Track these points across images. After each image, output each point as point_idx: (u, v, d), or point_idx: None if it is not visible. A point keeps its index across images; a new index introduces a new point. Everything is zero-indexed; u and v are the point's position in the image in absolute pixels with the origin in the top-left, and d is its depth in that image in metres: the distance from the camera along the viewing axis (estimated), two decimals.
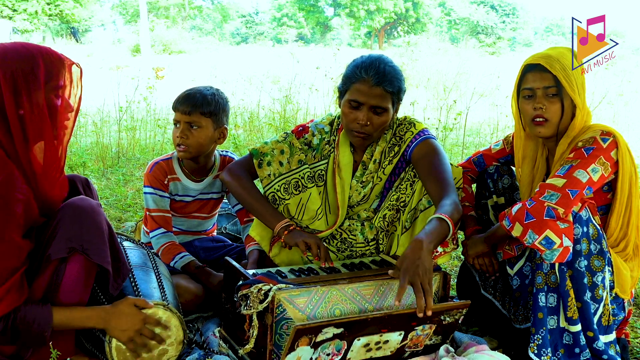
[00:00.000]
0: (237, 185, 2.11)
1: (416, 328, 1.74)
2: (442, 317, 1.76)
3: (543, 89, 1.92)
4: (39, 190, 1.57)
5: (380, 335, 1.70)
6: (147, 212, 2.34)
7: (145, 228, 2.42)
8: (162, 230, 2.30)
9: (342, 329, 1.60)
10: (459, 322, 1.83)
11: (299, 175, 2.11)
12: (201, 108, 2.24)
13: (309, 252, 1.96)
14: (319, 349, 1.62)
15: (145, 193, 2.34)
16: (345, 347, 1.67)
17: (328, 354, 1.65)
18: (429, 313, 1.63)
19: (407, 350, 1.80)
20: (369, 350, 1.72)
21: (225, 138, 2.34)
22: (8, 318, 1.49)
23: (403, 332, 1.73)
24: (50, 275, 1.58)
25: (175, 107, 2.28)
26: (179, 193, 2.38)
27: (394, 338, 1.73)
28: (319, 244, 1.96)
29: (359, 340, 1.67)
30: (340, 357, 1.68)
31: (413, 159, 2.05)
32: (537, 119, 1.94)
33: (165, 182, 2.33)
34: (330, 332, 1.59)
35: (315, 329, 1.56)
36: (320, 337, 1.58)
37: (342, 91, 2.06)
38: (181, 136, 2.25)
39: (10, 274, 1.48)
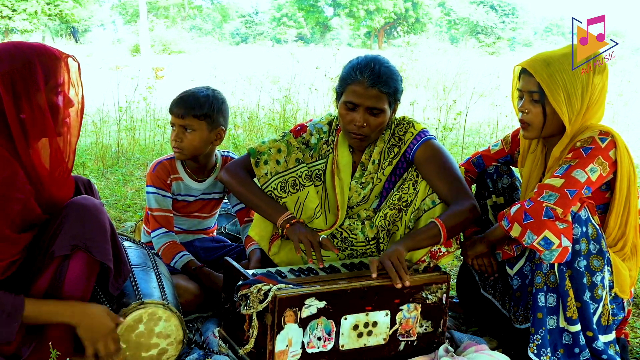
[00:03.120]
0: (235, 183, 2.11)
1: (401, 308, 1.80)
2: (423, 295, 1.83)
3: (528, 93, 1.93)
4: (44, 191, 1.57)
5: (367, 315, 1.75)
6: (149, 212, 2.34)
7: (146, 228, 2.43)
8: (163, 230, 2.31)
9: (324, 302, 1.67)
10: (444, 303, 1.86)
11: (297, 174, 2.11)
12: (193, 111, 2.24)
13: (303, 248, 1.94)
14: (308, 329, 1.66)
15: (147, 193, 2.34)
16: (335, 330, 1.71)
17: (319, 338, 1.68)
18: (407, 283, 1.77)
19: (400, 339, 1.82)
20: (360, 335, 1.76)
21: (221, 139, 2.34)
22: None
23: (389, 312, 1.78)
24: (53, 273, 1.58)
25: (171, 110, 2.29)
26: (181, 193, 2.38)
27: (382, 319, 1.78)
28: (313, 242, 1.94)
29: (345, 319, 1.72)
30: (332, 342, 1.71)
31: (417, 161, 2.05)
32: (522, 123, 1.98)
33: (168, 182, 2.34)
34: (313, 305, 1.65)
35: (297, 299, 1.63)
36: (305, 312, 1.64)
37: (339, 93, 2.06)
38: (175, 139, 2.27)
39: None
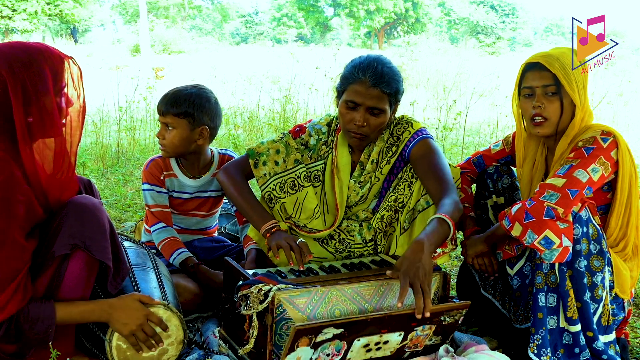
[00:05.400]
0: (229, 185, 2.11)
1: (416, 329, 1.74)
2: (442, 318, 1.77)
3: (542, 87, 1.93)
4: (44, 192, 1.57)
5: (380, 336, 1.70)
6: (147, 208, 2.36)
7: (146, 226, 2.44)
8: (162, 224, 2.32)
9: (342, 330, 1.60)
10: (459, 322, 1.83)
11: (295, 175, 2.11)
12: (172, 109, 2.24)
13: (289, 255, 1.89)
14: (319, 349, 1.62)
15: (143, 190, 2.37)
16: (345, 348, 1.67)
17: (328, 354, 1.65)
18: (428, 314, 1.63)
19: (406, 350, 1.80)
20: (369, 350, 1.72)
21: (205, 138, 2.31)
22: (12, 318, 1.50)
23: (403, 333, 1.73)
24: (53, 272, 1.58)
25: (157, 107, 2.33)
26: (176, 189, 2.39)
27: (394, 338, 1.73)
28: (292, 245, 1.89)
29: (358, 340, 1.67)
30: (340, 357, 1.68)
31: (411, 159, 2.05)
32: (536, 118, 1.95)
33: (161, 178, 2.36)
34: (330, 332, 1.59)
35: (315, 329, 1.56)
36: (320, 338, 1.58)
37: (340, 91, 2.06)
38: (158, 136, 2.30)
39: (15, 276, 1.49)
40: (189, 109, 2.24)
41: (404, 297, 1.63)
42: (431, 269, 1.68)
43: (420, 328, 1.74)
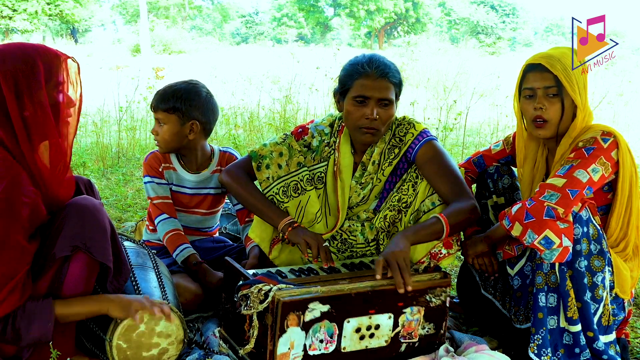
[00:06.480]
0: (237, 186, 2.11)
1: (404, 310, 1.79)
2: (427, 298, 1.82)
3: (543, 88, 1.93)
4: (46, 190, 1.58)
5: (370, 317, 1.74)
6: (150, 201, 2.38)
7: (148, 223, 2.45)
8: (165, 215, 2.33)
9: (328, 306, 1.66)
10: (447, 305, 1.86)
11: (298, 178, 2.10)
12: (162, 104, 2.28)
13: (309, 251, 1.95)
14: (310, 332, 1.65)
15: (145, 183, 2.39)
16: (337, 332, 1.70)
17: (321, 340, 1.68)
18: (409, 288, 1.72)
19: (402, 340, 1.82)
20: (363, 338, 1.75)
21: (197, 132, 2.32)
22: (8, 317, 1.50)
23: (392, 315, 1.77)
24: (54, 274, 1.58)
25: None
26: (174, 182, 2.41)
27: (385, 322, 1.77)
28: (319, 244, 1.95)
29: (348, 322, 1.71)
30: (334, 344, 1.70)
31: (418, 161, 2.04)
32: (538, 121, 1.95)
33: (160, 170, 2.38)
34: (317, 309, 1.64)
35: (301, 303, 1.62)
36: (308, 316, 1.63)
37: (344, 91, 2.05)
38: (152, 132, 2.34)
39: (13, 276, 1.49)
40: (177, 104, 2.27)
41: (380, 269, 1.73)
42: (406, 247, 1.78)
43: (408, 310, 1.80)
